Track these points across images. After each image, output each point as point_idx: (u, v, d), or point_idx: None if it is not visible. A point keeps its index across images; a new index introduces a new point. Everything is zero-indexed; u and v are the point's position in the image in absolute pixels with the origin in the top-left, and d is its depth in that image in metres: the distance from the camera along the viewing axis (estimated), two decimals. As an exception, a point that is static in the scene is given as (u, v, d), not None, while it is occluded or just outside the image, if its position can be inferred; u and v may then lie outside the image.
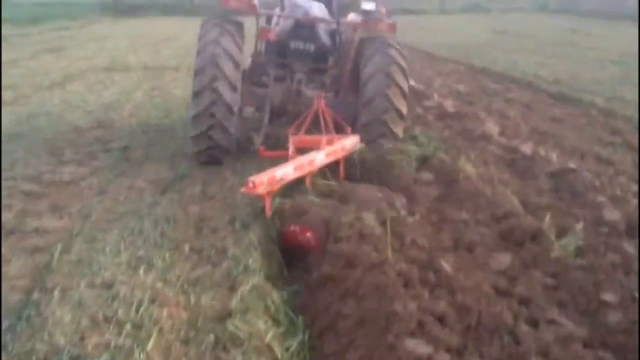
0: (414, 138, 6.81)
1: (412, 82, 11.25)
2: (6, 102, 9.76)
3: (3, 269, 4.03)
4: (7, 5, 39.55)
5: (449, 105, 9.00)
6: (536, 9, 51.11)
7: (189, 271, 4.06)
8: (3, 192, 5.45)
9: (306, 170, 5.21)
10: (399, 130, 6.40)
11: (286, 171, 4.92)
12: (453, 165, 5.54)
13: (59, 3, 47.89)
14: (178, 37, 24.87)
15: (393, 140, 6.31)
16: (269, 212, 4.75)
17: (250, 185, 4.50)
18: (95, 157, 6.76)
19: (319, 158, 5.37)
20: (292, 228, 4.49)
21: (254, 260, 4.09)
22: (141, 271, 3.98)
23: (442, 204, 4.98)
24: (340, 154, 5.72)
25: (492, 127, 7.33)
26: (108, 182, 5.88)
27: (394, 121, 6.32)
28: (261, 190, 4.59)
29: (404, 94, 6.38)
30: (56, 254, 4.22)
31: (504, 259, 4.02)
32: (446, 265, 3.82)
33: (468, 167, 5.49)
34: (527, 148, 6.37)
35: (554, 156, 6.19)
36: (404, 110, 6.39)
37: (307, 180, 5.31)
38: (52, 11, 38.12)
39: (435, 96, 9.89)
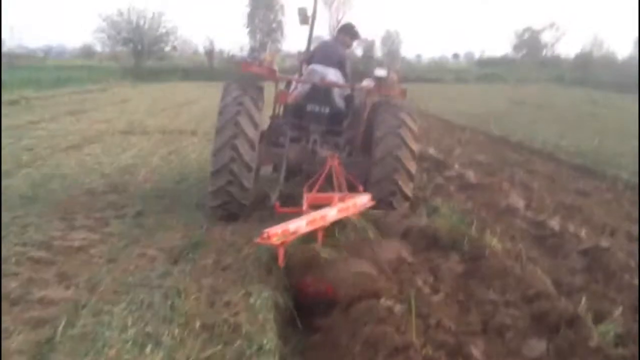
0: (435, 210, 6.57)
1: (431, 151, 11.21)
2: (23, 164, 9.75)
3: (3, 344, 3.80)
4: (32, 69, 40.73)
5: (471, 175, 8.78)
6: (552, 80, 51.57)
7: (199, 350, 3.78)
8: (12, 260, 5.28)
9: (318, 224, 5.27)
10: (408, 190, 6.76)
11: (299, 224, 5.02)
12: (479, 240, 5.28)
13: (83, 67, 49.23)
14: (197, 101, 25.24)
15: (403, 201, 6.71)
16: (281, 263, 4.90)
17: (265, 236, 4.64)
18: (107, 223, 6.59)
19: (331, 214, 5.47)
20: (306, 281, 4.68)
21: (269, 340, 3.82)
22: (148, 349, 3.71)
23: (468, 282, 4.70)
24: (351, 211, 5.79)
25: (517, 200, 7.07)
26: (119, 250, 5.68)
27: (403, 181, 6.70)
28: (275, 241, 4.72)
29: (413, 155, 6.79)
30: (60, 328, 3.97)
31: (538, 346, 3.72)
32: (476, 351, 3.53)
33: (494, 242, 5.23)
34: (555, 223, 6.09)
35: (583, 233, 5.92)
36: (414, 170, 6.82)
37: (320, 234, 5.34)
38: (76, 75, 39.08)
39: (456, 166, 9.70)
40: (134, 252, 5.64)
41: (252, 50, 55.84)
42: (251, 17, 67.36)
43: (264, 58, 8.02)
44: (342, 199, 5.85)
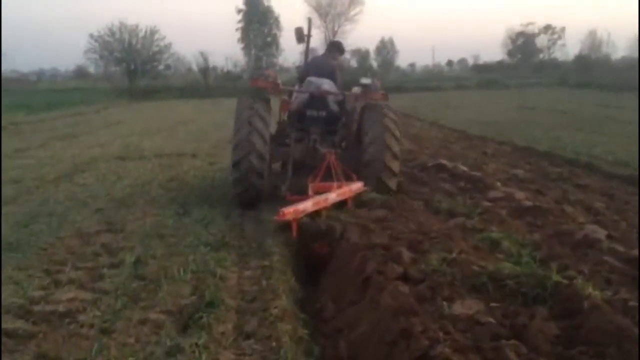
0: (495, 244, 5.41)
1: (462, 167, 10.14)
2: (6, 201, 8.62)
3: None
4: (24, 92, 39.81)
5: (521, 196, 7.58)
6: (556, 84, 50.68)
7: None
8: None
9: (322, 205, 6.69)
10: (395, 167, 8.14)
11: (307, 205, 6.49)
12: (568, 287, 4.14)
13: (76, 89, 48.34)
14: (194, 120, 24.25)
15: (391, 176, 8.05)
16: (295, 234, 6.21)
17: (281, 214, 6.05)
18: (100, 276, 5.44)
19: (331, 197, 6.91)
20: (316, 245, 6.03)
21: None
22: None
23: (572, 352, 3.58)
24: (347, 195, 7.22)
25: (594, 229, 5.86)
26: (114, 315, 4.52)
27: (390, 159, 8.04)
28: (289, 217, 6.12)
29: (397, 139, 8.17)
30: None
31: None
32: None
33: (589, 290, 4.09)
34: (655, 259, 4.93)
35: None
36: (398, 151, 8.21)
37: (323, 213, 6.64)
38: (69, 97, 38.21)
39: (498, 184, 8.59)
40: (134, 316, 4.50)
41: (258, 68, 56.11)
42: (245, 32, 66.59)
43: (268, 74, 9.13)
44: (339, 186, 7.28)
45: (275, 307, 4.48)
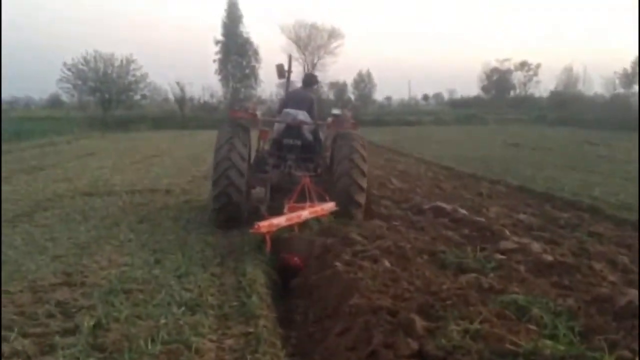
0: (522, 311, 4.56)
1: (463, 211, 9.38)
2: (-46, 244, 7.61)
3: None
4: (-7, 121, 38.32)
5: (536, 248, 6.79)
6: (533, 120, 50.82)
7: None
8: None
9: (294, 221, 7.38)
10: (361, 200, 8.78)
11: (280, 220, 7.11)
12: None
13: (48, 118, 46.84)
14: (169, 152, 23.32)
15: (357, 207, 8.71)
16: (269, 247, 6.89)
17: (256, 227, 6.58)
18: (50, 347, 4.47)
19: (304, 214, 7.59)
20: (284, 255, 6.78)
21: None
22: None
23: None
24: (320, 213, 7.96)
25: (633, 293, 5.02)
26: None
27: (357, 193, 8.71)
28: (263, 230, 6.66)
29: (363, 173, 8.79)
30: None
31: None
32: None
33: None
34: None
35: None
36: (364, 185, 8.80)
37: (296, 228, 7.44)
38: (40, 127, 36.83)
39: (507, 233, 7.77)
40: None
41: (235, 99, 55.90)
42: (223, 63, 65.83)
43: (248, 106, 10.52)
44: (312, 206, 7.97)
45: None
